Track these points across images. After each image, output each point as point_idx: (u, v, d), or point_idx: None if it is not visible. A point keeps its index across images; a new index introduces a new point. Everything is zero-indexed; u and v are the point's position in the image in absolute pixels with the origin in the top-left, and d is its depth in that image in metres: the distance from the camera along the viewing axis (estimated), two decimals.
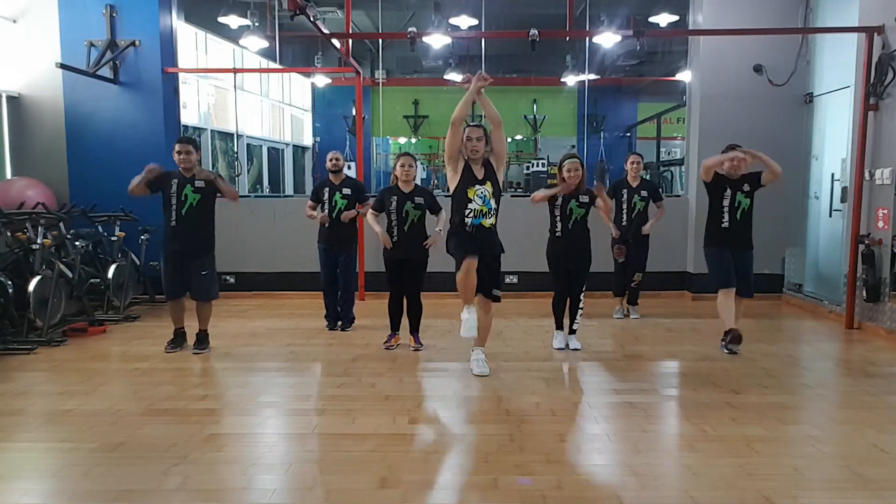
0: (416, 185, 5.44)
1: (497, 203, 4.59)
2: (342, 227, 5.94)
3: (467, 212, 4.52)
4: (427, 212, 5.37)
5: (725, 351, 5.32)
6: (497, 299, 4.71)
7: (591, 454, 3.48)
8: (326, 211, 5.90)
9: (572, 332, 5.51)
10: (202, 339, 5.47)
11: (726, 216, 5.18)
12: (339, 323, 6.22)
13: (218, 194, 5.31)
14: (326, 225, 5.95)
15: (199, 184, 5.16)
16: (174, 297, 5.38)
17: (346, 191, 5.91)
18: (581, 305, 5.50)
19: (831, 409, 4.27)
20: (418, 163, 5.70)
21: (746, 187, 5.18)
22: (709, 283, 5.44)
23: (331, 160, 6.01)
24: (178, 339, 5.48)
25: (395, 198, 5.28)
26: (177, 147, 5.19)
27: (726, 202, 5.17)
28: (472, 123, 4.71)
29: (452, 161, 4.59)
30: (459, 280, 4.43)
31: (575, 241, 5.31)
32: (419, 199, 5.31)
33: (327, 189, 5.94)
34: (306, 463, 3.35)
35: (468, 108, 4.57)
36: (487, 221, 4.53)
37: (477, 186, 4.51)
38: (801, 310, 7.31)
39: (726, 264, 5.25)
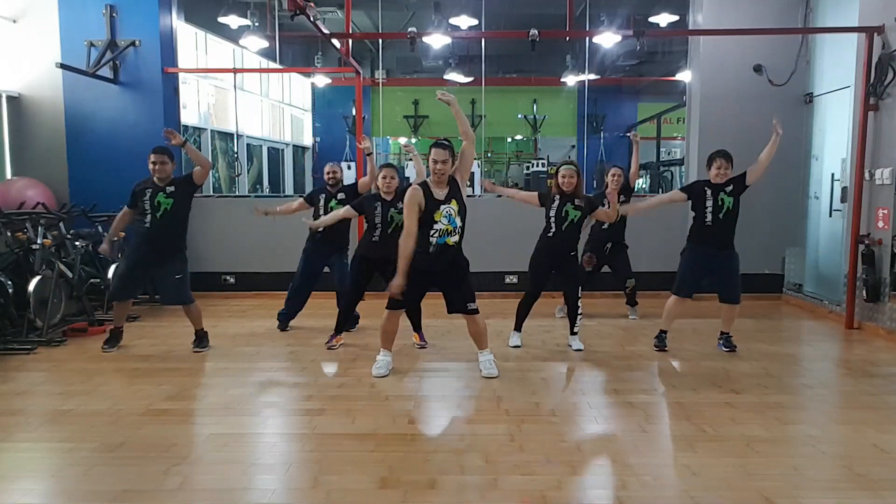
0: (396, 192, 5.46)
1: (463, 221, 4.53)
2: (336, 232, 5.91)
3: (432, 232, 4.46)
4: None
5: (655, 349, 5.44)
6: (474, 312, 4.68)
7: (591, 454, 3.48)
8: (322, 215, 5.88)
9: (573, 333, 5.52)
10: (201, 338, 5.48)
11: (709, 215, 5.21)
12: (354, 325, 6.12)
13: (193, 189, 5.34)
14: (317, 231, 5.89)
15: (170, 189, 5.18)
16: (121, 299, 5.41)
17: (341, 195, 5.92)
18: (580, 310, 5.51)
19: (831, 409, 4.28)
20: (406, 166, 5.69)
21: (730, 188, 5.17)
22: (674, 283, 5.42)
23: (328, 174, 6.00)
24: (114, 339, 5.44)
25: (379, 204, 5.37)
26: (152, 157, 5.16)
27: (709, 203, 5.20)
28: (438, 141, 4.55)
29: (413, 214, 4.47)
30: (383, 327, 4.79)
31: (564, 242, 5.34)
32: (400, 205, 5.34)
33: (323, 196, 5.93)
34: (306, 463, 3.35)
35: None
36: (452, 240, 4.50)
37: (442, 207, 4.45)
38: (801, 310, 7.31)
39: (692, 274, 5.33)
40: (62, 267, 6.09)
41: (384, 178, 5.36)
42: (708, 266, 5.29)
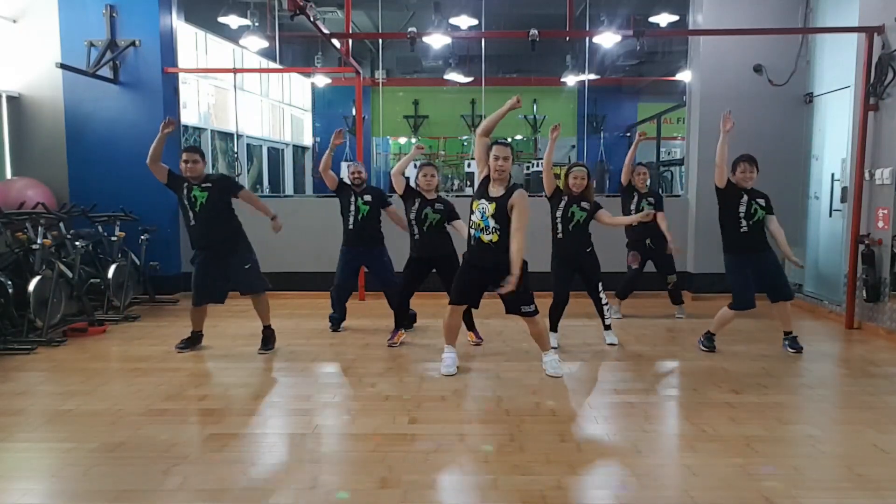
0: (438, 194, 5.54)
1: (500, 224, 4.44)
2: (366, 229, 5.90)
3: (470, 222, 4.58)
4: (447, 215, 5.47)
5: (703, 348, 5.44)
6: (531, 314, 4.64)
7: (591, 454, 3.48)
8: (352, 215, 5.85)
9: (607, 327, 5.60)
10: (268, 338, 5.47)
11: (743, 222, 5.17)
12: (405, 326, 5.89)
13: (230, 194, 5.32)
14: (349, 228, 5.91)
15: (205, 185, 5.18)
16: (199, 304, 5.36)
17: (367, 197, 5.89)
18: (605, 302, 5.55)
19: (831, 409, 4.27)
20: (440, 172, 5.68)
21: (762, 202, 5.19)
22: (732, 300, 5.29)
23: (353, 174, 5.98)
24: (192, 340, 5.47)
25: (419, 201, 5.39)
26: (184, 156, 5.18)
27: (742, 209, 5.16)
28: (500, 141, 4.59)
29: (479, 166, 4.63)
30: (444, 322, 4.77)
31: (575, 242, 5.37)
32: (439, 206, 5.43)
33: (352, 196, 5.89)
34: (306, 463, 3.35)
35: (496, 123, 4.57)
36: (486, 237, 4.49)
37: (482, 200, 4.50)
38: (801, 310, 7.30)
39: (747, 281, 5.21)
40: (62, 267, 6.09)
41: (424, 175, 5.41)
42: (754, 271, 5.22)
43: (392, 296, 5.96)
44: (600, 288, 5.50)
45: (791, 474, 3.18)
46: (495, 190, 4.50)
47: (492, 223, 4.48)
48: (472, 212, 4.56)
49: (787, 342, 5.45)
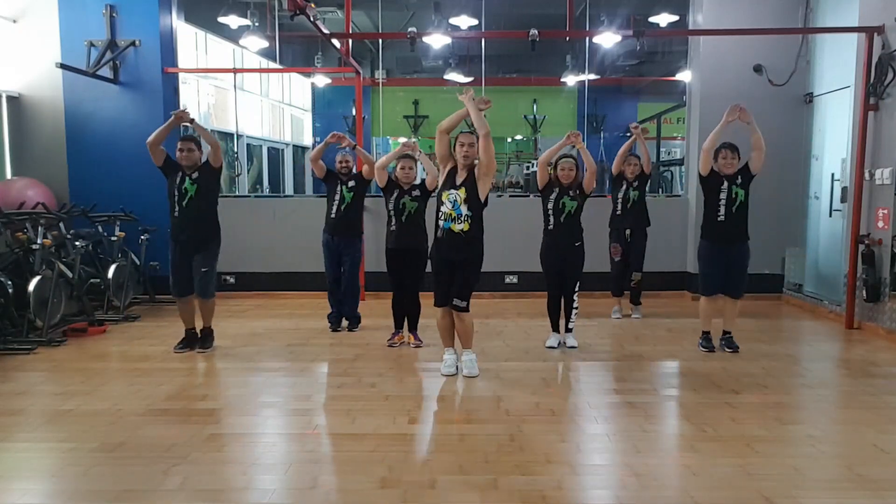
0: (416, 183, 5.57)
1: (472, 210, 4.52)
2: (348, 218, 6.01)
3: (440, 214, 4.60)
4: (425, 202, 5.53)
5: (702, 349, 5.45)
6: (460, 309, 4.64)
7: (591, 454, 3.48)
8: (335, 203, 5.96)
9: (568, 329, 5.56)
10: (206, 337, 5.49)
11: (722, 209, 5.23)
12: (347, 323, 6.21)
13: (214, 174, 5.35)
14: (330, 216, 5.98)
15: (195, 175, 5.21)
16: (181, 295, 5.38)
17: (351, 184, 6.01)
18: (576, 305, 5.54)
19: (831, 409, 4.28)
20: (419, 164, 5.73)
21: (740, 179, 5.22)
22: (699, 286, 5.51)
23: (340, 163, 6.06)
24: (188, 340, 5.48)
25: (397, 191, 5.46)
26: (179, 144, 5.24)
27: (723, 195, 5.22)
28: (465, 129, 4.72)
29: (442, 164, 4.71)
30: (437, 324, 4.82)
31: (566, 235, 5.38)
32: (416, 193, 5.50)
33: (338, 184, 6.00)
34: (306, 463, 3.35)
35: (458, 122, 4.60)
36: (457, 227, 4.53)
37: (451, 190, 4.56)
38: (801, 310, 7.31)
39: (713, 270, 5.36)
40: (62, 267, 6.09)
41: (402, 168, 5.46)
42: (725, 259, 5.30)
43: (349, 302, 6.12)
44: (577, 288, 5.50)
45: (791, 474, 3.19)
46: (461, 176, 4.57)
47: (464, 210, 4.52)
48: (441, 203, 4.59)
49: (723, 342, 5.49)
